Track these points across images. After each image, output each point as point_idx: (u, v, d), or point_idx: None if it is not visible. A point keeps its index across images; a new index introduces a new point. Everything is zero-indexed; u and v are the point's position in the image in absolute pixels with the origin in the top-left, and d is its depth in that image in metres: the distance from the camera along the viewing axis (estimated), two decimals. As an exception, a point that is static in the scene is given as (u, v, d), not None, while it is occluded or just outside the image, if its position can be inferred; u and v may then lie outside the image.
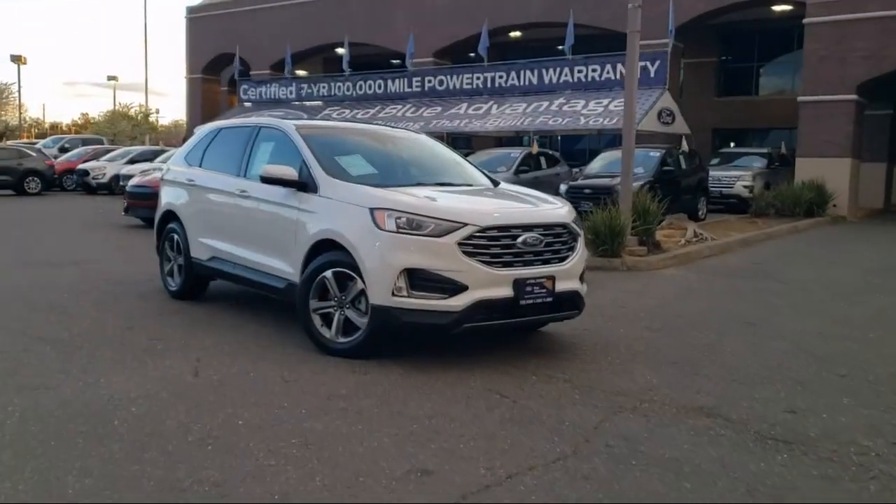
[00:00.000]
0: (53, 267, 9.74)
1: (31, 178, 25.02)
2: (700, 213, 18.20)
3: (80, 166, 26.85)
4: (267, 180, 5.99)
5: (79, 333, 6.20)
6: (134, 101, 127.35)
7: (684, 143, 19.20)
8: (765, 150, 23.18)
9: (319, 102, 31.72)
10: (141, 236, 13.39)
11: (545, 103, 25.04)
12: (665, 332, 6.75)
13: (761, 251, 13.30)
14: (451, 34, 29.77)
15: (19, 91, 64.24)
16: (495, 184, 6.68)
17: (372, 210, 5.32)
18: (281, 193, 6.09)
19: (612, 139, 29.18)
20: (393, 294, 5.16)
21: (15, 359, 5.40)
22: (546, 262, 5.49)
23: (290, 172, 5.96)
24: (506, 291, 5.25)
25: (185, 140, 35.81)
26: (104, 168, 26.10)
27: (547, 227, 5.53)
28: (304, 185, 5.94)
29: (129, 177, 22.84)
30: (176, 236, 7.62)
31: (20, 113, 67.43)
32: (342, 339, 5.53)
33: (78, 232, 14.16)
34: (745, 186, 21.12)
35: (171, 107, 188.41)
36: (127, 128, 59.09)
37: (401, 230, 5.19)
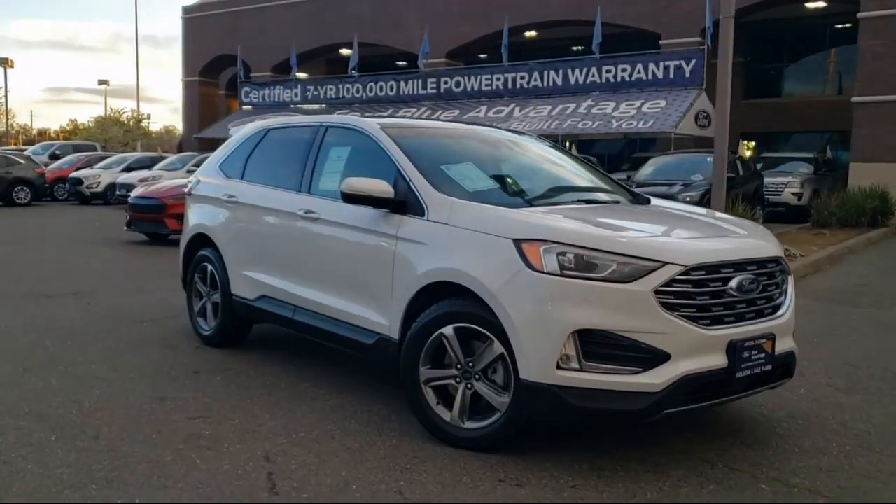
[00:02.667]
0: (49, 300, 8.05)
1: (19, 186, 23.26)
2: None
3: (73, 174, 25.10)
4: (351, 198, 4.35)
5: (92, 410, 4.54)
6: (124, 106, 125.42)
7: (742, 147, 17.63)
8: (810, 155, 21.60)
9: (323, 106, 30.09)
10: (149, 256, 11.70)
11: (572, 105, 23.48)
12: (863, 395, 5.12)
13: (854, 268, 11.73)
14: (464, 34, 28.23)
15: (6, 96, 62.20)
16: (644, 199, 5.05)
17: (518, 242, 3.69)
18: (368, 216, 4.46)
19: (638, 143, 27.64)
20: (558, 367, 3.52)
21: None
22: (760, 313, 3.87)
23: (384, 188, 4.32)
24: (718, 360, 3.64)
25: (181, 148, 34.29)
26: (99, 176, 24.39)
27: (760, 265, 3.91)
28: (403, 204, 4.31)
29: (127, 186, 21.25)
30: (210, 267, 5.96)
31: (7, 119, 65.53)
32: (470, 425, 3.91)
33: (75, 250, 12.46)
34: (794, 193, 19.61)
35: (161, 112, 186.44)
36: (119, 133, 57.48)
37: (566, 272, 3.56)
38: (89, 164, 26.48)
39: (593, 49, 23.73)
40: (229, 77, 37.88)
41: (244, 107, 33.00)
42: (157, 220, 13.09)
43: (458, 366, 3.92)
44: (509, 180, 4.84)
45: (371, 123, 4.89)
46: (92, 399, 4.74)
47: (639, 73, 23.34)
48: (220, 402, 4.71)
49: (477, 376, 3.87)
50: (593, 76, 24.07)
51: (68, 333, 6.47)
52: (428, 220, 4.16)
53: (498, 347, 3.76)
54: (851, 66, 23.02)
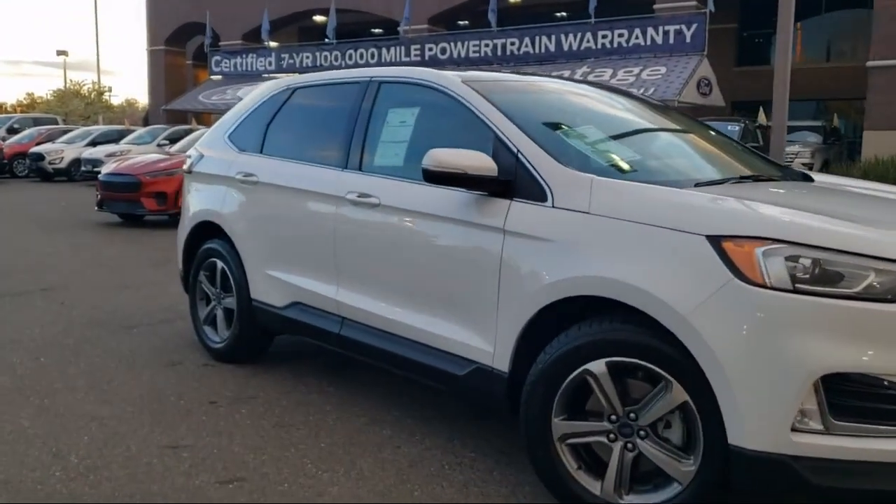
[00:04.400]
0: (14, 298, 6.74)
1: (-25, 163, 21.56)
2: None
3: (34, 149, 23.38)
4: (437, 177, 3.12)
5: (82, 472, 3.32)
6: (83, 79, 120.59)
7: (762, 114, 16.60)
8: (818, 124, 20.67)
9: (294, 75, 28.51)
10: (126, 241, 10.35)
11: (566, 73, 22.18)
12: None
13: None
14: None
15: (-40, 69, 59.59)
16: (800, 174, 3.90)
17: (717, 240, 2.51)
18: (456, 202, 3.26)
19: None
20: (793, 428, 2.37)
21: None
22: None
23: (485, 163, 3.11)
24: None
25: (147, 121, 32.57)
26: (62, 151, 22.72)
27: None
28: (508, 185, 3.11)
29: (93, 161, 19.75)
30: (221, 264, 4.72)
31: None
32: (632, 501, 2.73)
33: (40, 235, 11.04)
34: (805, 164, 18.70)
35: (121, 85, 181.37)
36: (79, 107, 55.25)
37: (801, 286, 2.39)
38: (51, 138, 24.77)
39: (590, 12, 22.48)
40: (197, 46, 36.06)
41: (214, 76, 31.33)
42: (132, 200, 11.73)
43: (613, 417, 2.75)
44: (650, 151, 3.64)
45: (448, 77, 3.66)
46: (79, 451, 3.51)
47: (637, 38, 22.17)
48: (256, 452, 3.50)
49: (642, 433, 2.70)
50: (588, 42, 22.86)
51: (40, 347, 5.19)
52: (554, 206, 2.96)
53: (679, 394, 2.60)
54: (845, 32, 22.11)
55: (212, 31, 31.43)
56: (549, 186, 3.00)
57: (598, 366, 2.74)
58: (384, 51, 26.46)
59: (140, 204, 11.66)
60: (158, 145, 20.65)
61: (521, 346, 3.03)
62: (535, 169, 3.07)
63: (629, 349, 2.70)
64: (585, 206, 2.87)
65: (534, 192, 3.04)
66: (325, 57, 27.80)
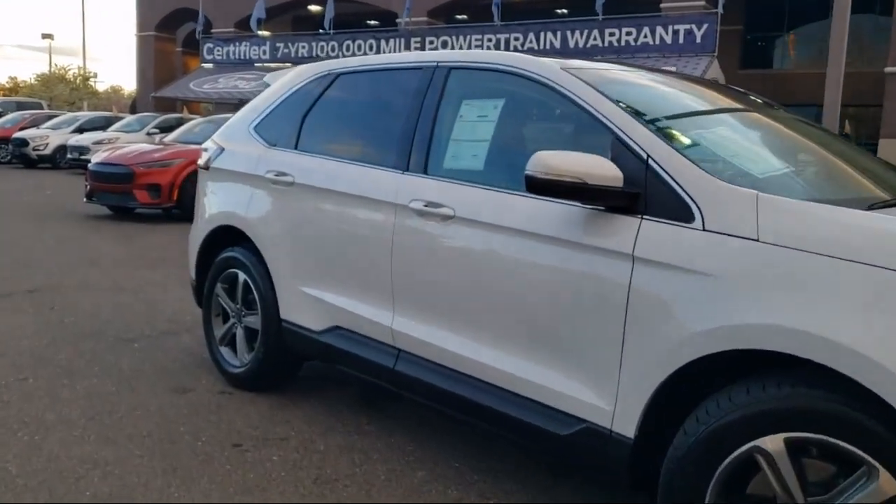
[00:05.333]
0: (-2, 302, 6.02)
1: (-45, 147, 20.66)
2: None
3: (17, 134, 22.48)
4: (544, 187, 2.45)
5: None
6: (69, 64, 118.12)
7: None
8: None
9: (288, 65, 27.77)
10: (119, 236, 9.61)
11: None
12: None
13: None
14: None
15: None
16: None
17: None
18: (562, 218, 2.60)
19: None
20: None
21: None
22: None
23: (609, 171, 2.45)
24: None
25: (134, 108, 31.66)
26: (47, 137, 21.83)
27: None
28: (635, 199, 2.44)
29: (80, 149, 18.95)
30: (243, 276, 4.04)
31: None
32: None
33: (24, 227, 10.27)
34: (817, 171, 18.13)
35: (106, 72, 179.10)
36: (64, 92, 54.23)
37: None
38: (35, 123, 23.86)
39: (596, 9, 21.86)
40: (187, 33, 35.17)
41: (205, 64, 30.46)
42: (123, 192, 10.99)
43: (801, 511, 2.10)
44: (797, 162, 2.99)
45: (545, 64, 3.00)
46: (80, 516, 2.81)
47: (645, 37, 21.58)
48: (302, 522, 2.83)
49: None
50: (595, 39, 22.24)
51: (27, 363, 4.50)
52: (705, 229, 2.30)
53: (890, 485, 1.95)
54: (862, 38, 21.60)
55: (204, 17, 30.57)
56: (695, 203, 2.35)
57: (773, 442, 2.10)
58: (383, 43, 25.72)
59: (132, 196, 10.93)
60: (148, 134, 19.88)
61: (653, 408, 2.38)
62: (674, 179, 2.42)
63: (817, 422, 2.05)
64: (752, 231, 2.21)
65: (673, 209, 2.39)
66: (322, 47, 27.04)
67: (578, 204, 2.56)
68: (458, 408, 3.06)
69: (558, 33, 22.74)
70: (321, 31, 27.16)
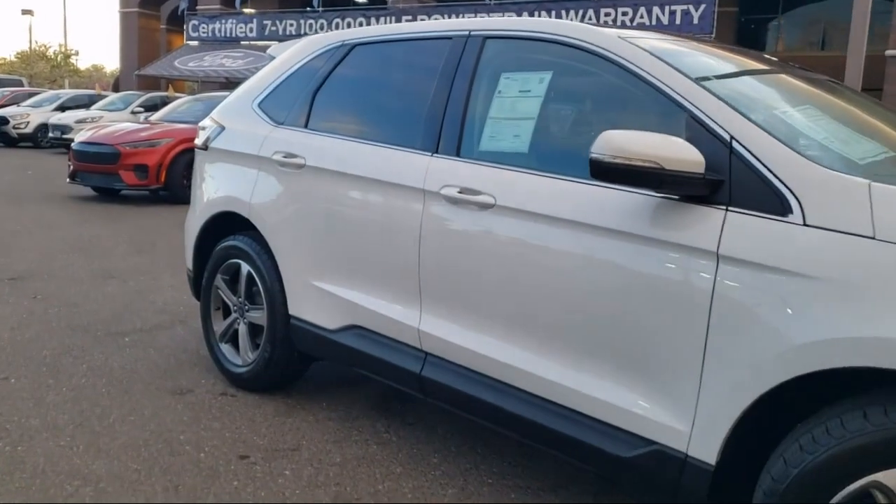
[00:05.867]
0: (-23, 290, 5.63)
1: (-68, 125, 20.06)
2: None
3: (-3, 112, 21.84)
4: (612, 172, 2.10)
5: None
6: (49, 41, 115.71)
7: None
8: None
9: (273, 43, 27.20)
10: (104, 218, 9.18)
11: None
12: None
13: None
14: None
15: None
16: None
17: None
18: (628, 207, 2.27)
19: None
20: None
21: None
22: None
23: (690, 155, 2.10)
24: None
25: (117, 86, 30.97)
26: (28, 115, 21.23)
27: None
28: (717, 187, 2.09)
29: (62, 127, 18.41)
30: (247, 268, 3.68)
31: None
32: None
33: (4, 208, 9.83)
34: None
35: (87, 50, 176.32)
36: (45, 69, 53.28)
37: None
38: (16, 101, 23.23)
39: (593, -12, 21.46)
40: (172, 9, 34.42)
41: (190, 42, 29.81)
42: (109, 172, 10.55)
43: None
44: (890, 143, 2.65)
45: (602, 32, 2.64)
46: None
47: (641, 17, 21.21)
48: (323, 551, 2.49)
49: None
50: (590, 20, 21.78)
51: (9, 360, 4.13)
52: (805, 223, 1.96)
53: None
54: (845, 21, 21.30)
55: (188, -7, 29.92)
56: (793, 193, 2.01)
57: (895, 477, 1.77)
58: (373, 21, 25.19)
59: (118, 177, 10.49)
60: (133, 112, 19.37)
61: (738, 432, 2.05)
62: (765, 165, 2.07)
63: (950, 455, 1.72)
64: (865, 227, 1.88)
65: (765, 199, 2.05)
66: (311, 25, 26.49)
67: (648, 192, 2.21)
68: (493, 419, 2.73)
69: (552, 13, 22.29)
70: (309, 8, 26.58)
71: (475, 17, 23.00)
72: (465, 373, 2.76)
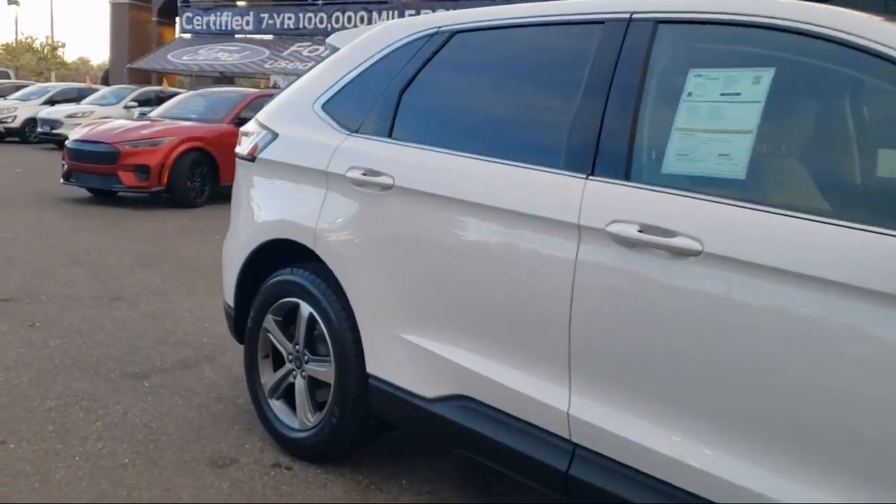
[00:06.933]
0: (-36, 316, 4.84)
1: (-86, 118, 19.12)
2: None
3: (-18, 106, 20.90)
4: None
5: None
6: (35, 33, 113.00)
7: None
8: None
9: (270, 37, 26.44)
10: (102, 224, 8.38)
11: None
12: None
13: None
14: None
15: None
16: None
17: None
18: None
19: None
20: None
21: None
22: None
23: None
24: None
25: (106, 81, 29.98)
26: (15, 109, 20.30)
27: None
28: None
29: (51, 122, 17.56)
30: (309, 309, 2.93)
31: None
32: None
33: (-6, 211, 8.99)
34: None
35: (73, 42, 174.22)
36: (32, 62, 52.22)
37: None
38: (2, 94, 22.27)
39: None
40: (164, 1, 33.47)
41: (184, 35, 28.90)
42: (107, 173, 9.76)
43: None
44: None
45: (852, 17, 1.88)
46: None
47: None
48: None
49: None
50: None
51: (7, 413, 3.39)
52: None
53: None
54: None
55: (182, -15, 29.00)
56: None
57: None
58: (374, 15, 24.37)
59: (117, 178, 9.69)
60: (126, 108, 18.53)
61: None
62: None
63: None
64: None
65: None
66: (310, 19, 25.65)
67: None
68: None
69: (563, 8, 21.54)
70: (308, 1, 25.72)
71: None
72: (640, 480, 2.01)
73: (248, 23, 27.11)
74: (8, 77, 27.86)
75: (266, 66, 24.43)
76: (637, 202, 2.03)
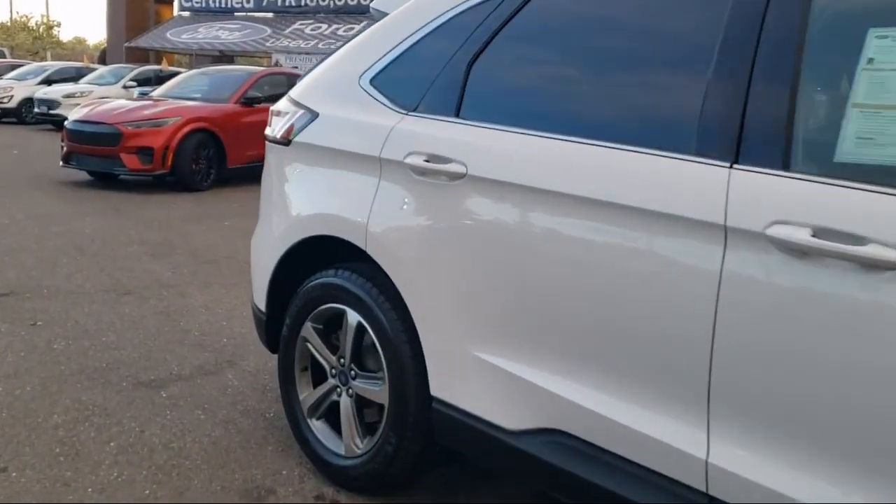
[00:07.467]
0: (-41, 315, 4.42)
1: None
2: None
3: (-22, 85, 20.35)
4: None
5: None
6: (30, 12, 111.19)
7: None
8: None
9: (271, 14, 25.87)
10: (104, 209, 7.92)
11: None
12: None
13: None
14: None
15: None
16: None
17: None
18: None
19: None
20: None
21: None
22: None
23: None
24: None
25: (103, 60, 29.38)
26: (11, 88, 19.76)
27: None
28: None
29: (48, 102, 17.08)
30: (357, 318, 2.50)
31: None
32: None
33: (-10, 196, 8.53)
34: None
35: (66, 23, 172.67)
36: (27, 41, 51.51)
37: None
38: (-3, 73, 21.71)
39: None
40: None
41: (182, 13, 28.28)
42: (108, 155, 9.29)
43: None
44: None
45: None
46: None
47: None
48: None
49: None
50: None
51: (8, 432, 2.98)
52: None
53: None
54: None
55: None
56: None
57: None
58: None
59: (119, 161, 9.22)
60: (125, 87, 18.01)
61: None
62: None
63: None
64: None
65: None
66: (312, -5, 25.03)
67: None
68: None
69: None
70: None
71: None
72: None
73: (247, 0, 26.47)
74: (3, 56, 27.24)
75: (268, 44, 23.85)
76: (804, 199, 1.59)
